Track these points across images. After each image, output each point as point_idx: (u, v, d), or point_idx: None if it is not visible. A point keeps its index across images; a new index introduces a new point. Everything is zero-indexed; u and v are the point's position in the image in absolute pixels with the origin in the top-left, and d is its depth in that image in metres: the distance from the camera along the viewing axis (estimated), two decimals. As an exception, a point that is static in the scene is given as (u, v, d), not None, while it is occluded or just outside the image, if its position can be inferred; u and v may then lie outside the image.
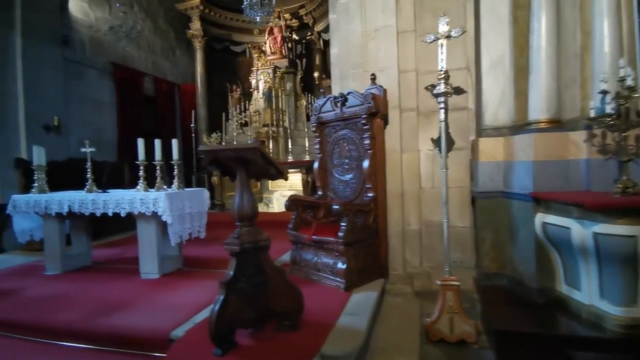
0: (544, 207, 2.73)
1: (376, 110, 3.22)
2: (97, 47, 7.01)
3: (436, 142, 3.61)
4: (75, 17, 6.53)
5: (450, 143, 3.62)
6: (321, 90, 3.86)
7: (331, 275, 3.11)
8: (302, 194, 7.91)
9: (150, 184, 3.71)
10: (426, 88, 3.50)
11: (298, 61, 9.23)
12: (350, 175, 3.53)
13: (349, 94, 3.42)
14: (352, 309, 2.63)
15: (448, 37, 2.76)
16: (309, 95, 8.70)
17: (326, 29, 9.03)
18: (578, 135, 2.74)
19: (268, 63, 8.38)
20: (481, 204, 3.28)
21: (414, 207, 3.57)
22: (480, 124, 3.37)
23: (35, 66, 5.58)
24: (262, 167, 2.21)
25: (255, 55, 9.90)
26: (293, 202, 3.50)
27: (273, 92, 8.19)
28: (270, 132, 7.97)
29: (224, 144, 8.35)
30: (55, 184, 4.18)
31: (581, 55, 2.83)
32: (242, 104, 9.12)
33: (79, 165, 5.01)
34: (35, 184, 3.92)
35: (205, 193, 3.97)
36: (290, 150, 7.94)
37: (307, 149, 7.86)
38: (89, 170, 3.80)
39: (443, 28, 2.78)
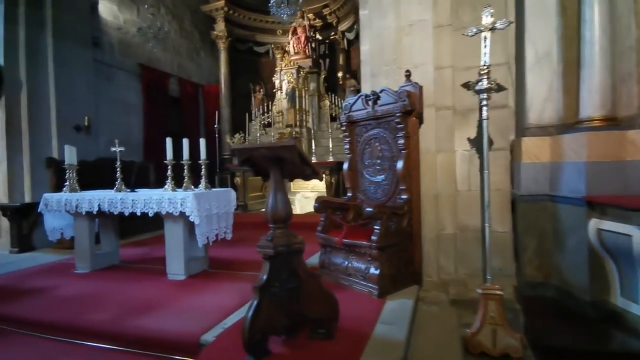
0: (599, 212, 2.51)
1: (411, 109, 3.07)
2: (125, 49, 7.13)
3: (473, 141, 3.43)
4: (105, 19, 6.65)
5: (488, 143, 3.44)
6: (351, 88, 3.75)
7: (363, 281, 2.97)
8: (325, 196, 7.82)
9: (177, 184, 3.68)
10: (465, 85, 3.33)
11: (321, 61, 9.13)
12: (382, 177, 3.38)
13: (381, 91, 3.28)
14: (387, 318, 2.48)
15: (492, 29, 2.58)
16: (333, 95, 8.59)
17: (350, 29, 8.93)
18: (637, 134, 2.51)
19: (292, 63, 8.32)
20: (524, 208, 3.08)
21: (449, 211, 3.39)
22: (522, 122, 3.17)
23: (67, 67, 5.69)
24: (298, 166, 2.10)
25: (278, 56, 9.87)
26: (322, 204, 3.38)
27: (297, 92, 8.12)
28: (294, 132, 7.89)
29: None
30: (85, 183, 4.22)
31: (637, 48, 2.60)
32: (265, 104, 9.10)
33: (108, 165, 5.08)
34: (67, 183, 3.95)
35: (232, 193, 3.91)
36: (313, 151, 7.84)
37: (330, 150, 7.74)
38: (118, 169, 3.80)
39: (487, 20, 2.60)
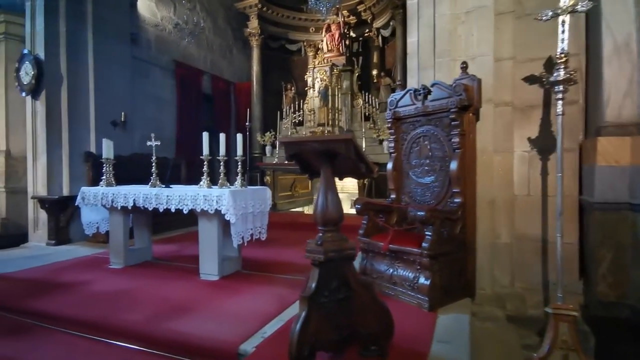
0: (698, 225, 2.14)
1: (468, 104, 2.79)
2: (161, 45, 7.16)
3: (534, 141, 3.11)
4: (143, 16, 6.69)
5: (553, 144, 3.10)
6: (397, 82, 3.48)
7: (411, 291, 2.71)
8: (366, 198, 7.56)
9: (211, 181, 3.56)
10: (530, 78, 3.02)
11: (354, 59, 8.88)
12: (431, 178, 3.11)
13: (433, 85, 3.01)
14: (443, 335, 2.22)
15: (573, 11, 2.27)
16: (366, 94, 8.33)
17: (386, 25, 8.63)
18: None
19: (325, 61, 8.12)
20: (598, 217, 2.71)
21: (505, 217, 3.08)
22: (596, 120, 2.81)
23: (106, 63, 5.72)
24: (353, 162, 1.88)
25: (310, 54, 9.73)
26: (365, 206, 3.15)
27: (329, 90, 7.91)
28: (326, 131, 7.69)
29: (277, 143, 8.22)
30: (121, 178, 4.17)
31: None
32: (297, 103, 8.96)
33: (143, 160, 5.05)
34: (104, 177, 3.92)
35: (268, 192, 3.74)
36: (345, 150, 7.60)
37: (364, 149, 7.48)
38: (153, 164, 3.71)
39: (565, 1, 2.29)
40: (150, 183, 3.69)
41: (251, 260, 3.92)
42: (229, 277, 3.47)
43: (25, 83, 5.23)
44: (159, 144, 3.89)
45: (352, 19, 8.99)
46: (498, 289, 3.04)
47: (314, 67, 8.15)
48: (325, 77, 7.90)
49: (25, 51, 5.29)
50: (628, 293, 2.63)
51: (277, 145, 8.25)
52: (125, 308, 2.69)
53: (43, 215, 5.24)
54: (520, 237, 3.12)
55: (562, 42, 2.31)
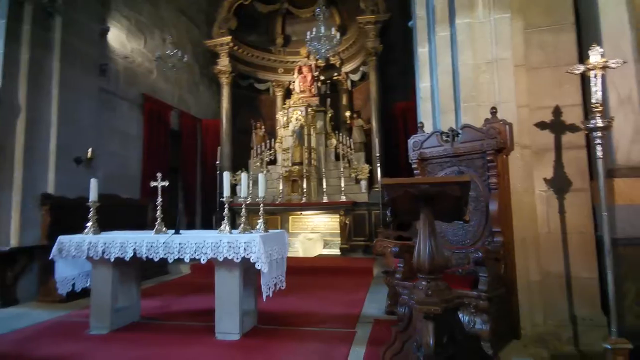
0: None
1: (503, 146, 2.92)
2: (130, 78, 6.67)
3: (550, 182, 3.34)
4: (113, 47, 6.22)
5: (567, 184, 3.36)
6: (419, 124, 3.57)
7: (466, 337, 2.60)
8: (339, 238, 7.42)
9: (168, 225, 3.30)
10: (549, 124, 3.29)
11: (329, 99, 9.10)
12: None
13: (463, 127, 3.13)
14: (527, 384, 2.12)
15: (604, 67, 2.54)
16: (339, 134, 8.48)
17: (355, 70, 9.08)
18: None
19: (301, 101, 8.19)
20: (621, 252, 2.92)
21: (533, 255, 3.18)
22: (607, 163, 3.11)
23: (72, 94, 5.14)
24: (453, 205, 1.81)
25: (279, 94, 9.78)
26: (402, 249, 3.05)
27: (305, 129, 7.93)
28: (304, 170, 7.59)
29: (251, 182, 7.88)
30: (82, 224, 3.51)
31: None
32: (268, 141, 8.80)
33: (110, 203, 4.44)
34: (89, 224, 3.34)
35: (286, 236, 3.47)
36: (324, 190, 7.54)
37: (342, 189, 7.48)
38: (159, 208, 3.26)
39: (596, 58, 2.57)
40: (155, 229, 3.22)
41: (266, 313, 3.53)
42: (249, 335, 3.07)
43: (-27, 113, 4.44)
44: (166, 184, 3.41)
45: (321, 63, 9.31)
46: (535, 328, 3.06)
47: (289, 107, 8.16)
48: (301, 117, 7.93)
49: (-23, 77, 4.55)
50: (656, 323, 2.81)
51: (251, 185, 7.91)
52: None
53: (-16, 271, 4.28)
54: (545, 275, 3.23)
55: (595, 94, 2.57)
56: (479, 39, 3.30)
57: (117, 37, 6.38)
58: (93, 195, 3.40)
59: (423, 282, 1.77)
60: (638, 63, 3.02)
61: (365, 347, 2.75)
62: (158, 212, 3.25)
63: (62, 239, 3.28)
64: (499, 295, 2.69)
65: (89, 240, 3.19)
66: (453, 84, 3.44)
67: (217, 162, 8.10)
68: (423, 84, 3.86)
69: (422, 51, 3.88)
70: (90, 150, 5.25)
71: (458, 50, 3.31)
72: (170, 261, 3.02)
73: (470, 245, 3.06)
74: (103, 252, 3.14)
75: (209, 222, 8.23)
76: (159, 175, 3.34)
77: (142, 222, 6.23)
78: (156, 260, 3.04)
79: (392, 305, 3.59)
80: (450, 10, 3.46)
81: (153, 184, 3.34)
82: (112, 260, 3.14)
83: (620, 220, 2.92)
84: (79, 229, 3.44)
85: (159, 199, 3.29)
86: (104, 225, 3.53)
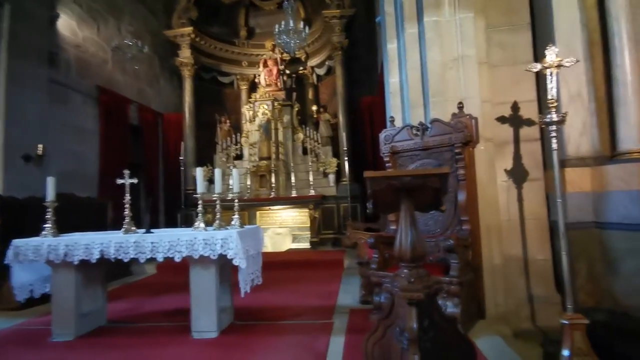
0: (657, 236, 2.71)
1: (470, 139, 3.09)
2: (83, 69, 6.24)
3: (510, 173, 3.57)
4: (63, 35, 5.79)
5: (525, 174, 3.61)
6: (390, 119, 3.67)
7: (439, 321, 2.75)
8: (307, 232, 7.46)
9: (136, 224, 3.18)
10: (509, 118, 3.50)
11: (295, 93, 9.06)
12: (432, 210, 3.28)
13: (433, 122, 3.27)
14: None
15: (559, 66, 2.75)
16: (306, 128, 8.50)
17: (321, 65, 9.10)
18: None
19: (267, 95, 8.09)
20: (571, 235, 3.20)
21: (496, 241, 3.41)
22: (560, 154, 3.38)
23: (18, 85, 4.74)
24: (432, 196, 1.90)
25: (243, 88, 9.59)
26: (377, 240, 3.15)
27: (272, 124, 7.85)
28: (272, 165, 7.53)
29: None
30: (35, 226, 3.28)
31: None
32: (233, 136, 8.63)
33: (66, 203, 4.14)
34: (47, 225, 3.12)
35: (261, 231, 3.45)
36: (293, 184, 7.54)
37: (311, 183, 7.52)
38: (127, 206, 3.11)
39: (552, 57, 2.78)
40: (124, 229, 3.07)
41: (240, 309, 3.50)
42: (226, 332, 3.03)
43: None
44: (136, 181, 3.26)
45: (287, 56, 9.22)
46: (498, 308, 3.29)
47: (255, 101, 8.03)
48: (267, 111, 7.84)
49: None
50: (603, 299, 3.13)
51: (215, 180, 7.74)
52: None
53: None
54: (506, 258, 3.47)
55: (551, 90, 2.78)
56: (445, 36, 3.44)
57: (68, 24, 5.94)
58: (50, 195, 3.17)
59: (405, 270, 1.85)
60: (587, 62, 3.29)
61: (345, 336, 2.81)
62: (127, 211, 3.10)
63: (17, 242, 3.04)
64: (468, 279, 2.87)
65: (49, 243, 2.98)
66: (422, 80, 3.57)
67: (181, 158, 7.85)
68: (392, 79, 3.97)
69: (391, 47, 3.98)
70: (40, 146, 4.87)
71: (426, 46, 3.44)
72: (142, 261, 2.90)
73: (440, 234, 3.22)
74: (65, 255, 2.95)
75: (174, 221, 7.96)
76: (126, 172, 3.18)
77: (101, 223, 5.89)
78: (126, 260, 2.91)
79: (366, 295, 3.70)
80: (418, 7, 3.57)
81: (120, 181, 3.18)
82: (76, 263, 2.96)
83: (571, 206, 3.20)
84: (30, 231, 3.21)
85: (127, 197, 3.14)
86: (59, 227, 3.32)
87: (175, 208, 8.02)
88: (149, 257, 2.88)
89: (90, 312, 3.27)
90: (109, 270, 4.61)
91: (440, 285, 1.90)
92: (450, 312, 2.70)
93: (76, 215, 5.13)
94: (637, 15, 3.00)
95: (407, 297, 1.75)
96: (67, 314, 3.07)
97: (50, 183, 3.18)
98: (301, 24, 6.53)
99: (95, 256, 2.92)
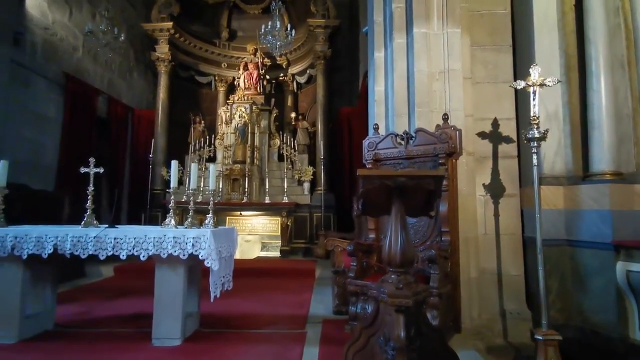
0: (626, 256, 2.80)
1: (454, 151, 3.10)
2: (50, 53, 5.83)
3: (488, 187, 3.62)
4: (31, 15, 5.40)
5: (501, 190, 3.67)
6: (375, 126, 3.64)
7: (417, 333, 2.67)
8: (279, 240, 7.26)
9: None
10: (489, 134, 3.56)
11: (273, 99, 8.93)
12: (414, 219, 3.25)
13: (418, 131, 3.26)
14: (475, 374, 2.24)
15: (542, 85, 2.83)
16: (284, 135, 8.38)
17: (302, 72, 9.08)
18: (640, 187, 2.96)
19: (246, 97, 7.91)
20: (544, 252, 3.25)
21: (473, 254, 3.42)
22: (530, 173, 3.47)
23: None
24: (427, 201, 1.84)
25: (221, 89, 9.37)
26: (357, 247, 3.06)
27: (249, 127, 7.68)
28: (247, 169, 7.32)
29: (187, 179, 7.38)
30: None
31: (633, 117, 3.16)
32: (207, 137, 8.35)
33: (16, 195, 3.73)
34: (-5, 214, 2.80)
35: (235, 233, 3.27)
36: (267, 190, 7.35)
37: (285, 190, 7.37)
38: (90, 196, 2.84)
39: (535, 76, 2.86)
40: (84, 222, 2.79)
41: (207, 316, 3.27)
42: (191, 339, 2.81)
43: None
44: (101, 171, 2.99)
45: (268, 61, 9.13)
46: (473, 322, 3.27)
47: (233, 103, 7.84)
48: (245, 114, 7.67)
49: None
50: (573, 316, 3.18)
51: (186, 182, 7.41)
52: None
53: None
54: (482, 271, 3.48)
55: (534, 107, 2.85)
56: (434, 48, 3.48)
57: (38, 4, 5.55)
58: (1, 180, 2.86)
59: (393, 276, 1.76)
60: (564, 85, 3.43)
61: (319, 346, 2.67)
62: (88, 203, 2.83)
63: (-43, 231, 2.69)
64: (447, 291, 2.82)
65: (-5, 234, 2.66)
66: (407, 89, 3.58)
67: (150, 156, 7.48)
68: (378, 87, 3.97)
69: (378, 55, 3.99)
70: (-5, 130, 4.45)
71: (414, 57, 3.46)
72: (102, 258, 2.63)
73: (419, 244, 3.18)
74: (13, 249, 2.64)
75: (137, 220, 7.50)
76: (91, 160, 2.92)
77: (56, 218, 5.42)
78: (83, 257, 2.64)
79: (340, 305, 3.59)
80: (408, 18, 3.60)
81: (84, 169, 2.92)
82: (25, 257, 2.65)
83: (544, 223, 3.26)
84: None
85: (91, 187, 2.87)
86: (9, 220, 2.98)
87: (140, 208, 7.58)
88: (110, 253, 2.63)
89: (36, 313, 2.94)
90: (60, 270, 4.23)
91: (427, 293, 1.83)
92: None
93: (28, 208, 4.69)
94: (615, 41, 3.17)
95: (395, 304, 1.66)
96: (10, 314, 2.75)
97: (2, 167, 2.86)
98: (288, 27, 6.47)
99: (47, 250, 2.63)
